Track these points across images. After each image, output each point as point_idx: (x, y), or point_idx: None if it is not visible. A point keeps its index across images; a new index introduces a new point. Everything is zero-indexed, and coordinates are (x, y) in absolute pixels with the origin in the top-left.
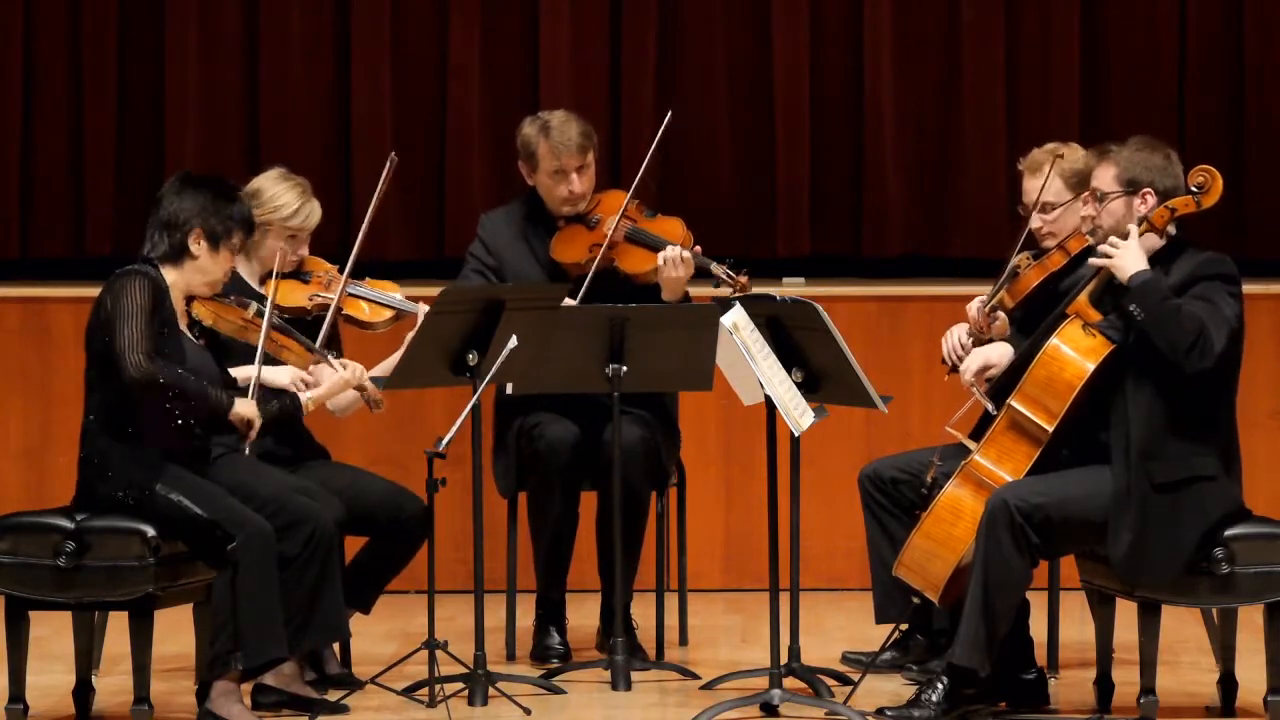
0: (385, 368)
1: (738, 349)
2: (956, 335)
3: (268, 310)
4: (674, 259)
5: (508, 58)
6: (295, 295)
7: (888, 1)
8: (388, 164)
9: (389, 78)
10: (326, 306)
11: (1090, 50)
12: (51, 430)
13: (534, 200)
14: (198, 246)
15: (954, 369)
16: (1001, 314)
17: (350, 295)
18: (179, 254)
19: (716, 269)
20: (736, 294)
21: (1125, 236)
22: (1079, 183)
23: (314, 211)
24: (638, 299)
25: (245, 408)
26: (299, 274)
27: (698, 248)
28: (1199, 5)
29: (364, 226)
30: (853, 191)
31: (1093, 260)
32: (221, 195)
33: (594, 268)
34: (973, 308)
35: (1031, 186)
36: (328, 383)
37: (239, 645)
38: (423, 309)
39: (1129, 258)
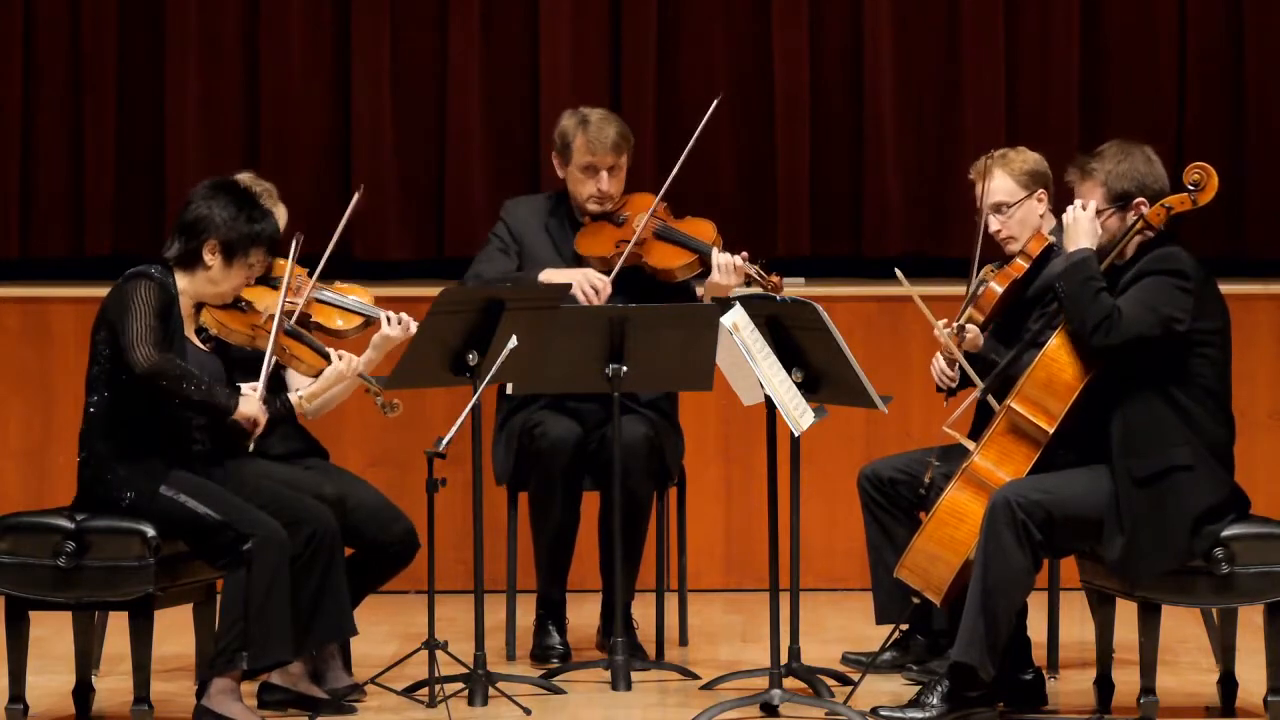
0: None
1: (738, 349)
2: (939, 362)
3: (277, 316)
4: (727, 265)
5: (508, 58)
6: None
7: (888, 2)
8: (355, 195)
9: (389, 79)
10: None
11: (1090, 50)
12: (51, 430)
13: (562, 196)
14: (212, 257)
15: (950, 392)
16: (972, 327)
17: (318, 301)
18: (192, 261)
19: (749, 270)
20: (769, 293)
21: (1122, 252)
22: (1031, 180)
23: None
24: (662, 295)
25: (250, 406)
26: (267, 279)
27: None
28: (1199, 5)
29: (330, 245)
30: (853, 191)
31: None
32: (248, 210)
33: (621, 261)
34: (940, 335)
35: (980, 189)
36: (322, 379)
37: (246, 644)
38: (385, 314)
39: (1075, 235)
